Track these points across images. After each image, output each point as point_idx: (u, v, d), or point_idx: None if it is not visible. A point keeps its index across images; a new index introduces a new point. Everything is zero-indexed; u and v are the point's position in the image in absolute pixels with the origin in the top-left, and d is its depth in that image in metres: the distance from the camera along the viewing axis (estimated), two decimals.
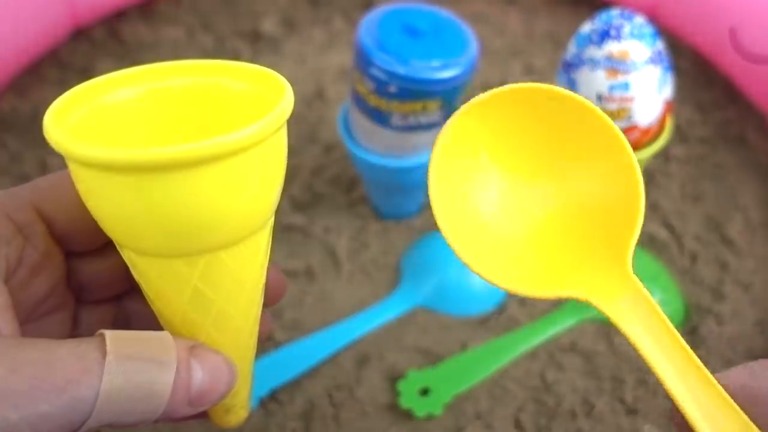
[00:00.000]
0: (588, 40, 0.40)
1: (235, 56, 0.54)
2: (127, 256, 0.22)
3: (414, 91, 0.38)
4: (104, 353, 0.19)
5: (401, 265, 0.44)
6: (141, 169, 0.19)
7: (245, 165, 0.20)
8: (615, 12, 0.39)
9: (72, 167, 0.21)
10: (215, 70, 0.24)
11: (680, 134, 0.51)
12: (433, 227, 0.46)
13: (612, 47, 0.39)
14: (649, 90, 0.39)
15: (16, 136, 0.49)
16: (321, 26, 0.57)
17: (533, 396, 0.39)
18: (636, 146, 0.41)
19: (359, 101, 0.40)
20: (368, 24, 0.39)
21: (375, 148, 0.42)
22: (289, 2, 0.59)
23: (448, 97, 0.39)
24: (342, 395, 0.39)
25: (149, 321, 0.25)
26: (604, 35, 0.39)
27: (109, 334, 0.20)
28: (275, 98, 0.22)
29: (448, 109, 0.40)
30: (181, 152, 0.19)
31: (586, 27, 0.40)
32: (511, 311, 0.43)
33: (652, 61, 0.39)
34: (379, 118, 0.40)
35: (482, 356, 0.40)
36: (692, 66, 0.55)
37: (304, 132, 0.50)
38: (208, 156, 0.19)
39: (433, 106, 0.39)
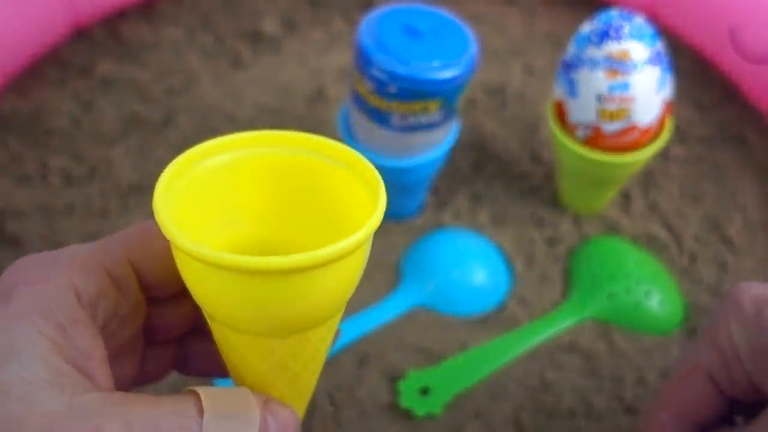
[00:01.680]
0: (587, 41, 0.40)
1: (236, 56, 0.54)
2: (217, 327, 0.23)
3: (414, 91, 0.38)
4: (200, 411, 0.21)
5: (401, 265, 0.44)
6: (248, 272, 0.20)
7: (345, 265, 0.22)
8: (614, 12, 0.40)
9: (177, 255, 0.22)
10: (300, 142, 0.25)
11: (680, 134, 0.51)
12: (433, 227, 0.46)
13: (612, 47, 0.39)
14: (649, 90, 0.39)
15: (16, 136, 0.49)
16: (321, 26, 0.57)
17: (533, 395, 0.39)
18: (636, 146, 0.41)
19: (359, 101, 0.40)
20: (368, 24, 0.39)
21: (375, 148, 0.42)
22: (289, 2, 0.59)
23: (448, 97, 0.39)
24: (342, 395, 0.39)
25: (207, 360, 0.27)
26: (604, 35, 0.39)
27: (202, 392, 0.21)
28: (359, 179, 0.23)
29: (448, 109, 0.40)
30: (287, 263, 0.20)
31: (586, 27, 0.40)
32: (511, 311, 0.43)
33: (652, 61, 0.39)
34: (379, 118, 0.40)
35: (482, 356, 0.40)
36: (692, 66, 0.55)
37: (305, 132, 0.50)
38: (312, 265, 0.20)
39: (433, 106, 0.39)
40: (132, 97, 0.52)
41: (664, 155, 0.50)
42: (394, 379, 0.40)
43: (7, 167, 0.47)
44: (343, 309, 0.24)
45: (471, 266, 0.44)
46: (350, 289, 0.23)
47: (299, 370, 0.24)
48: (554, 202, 0.48)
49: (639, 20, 0.39)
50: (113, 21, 0.56)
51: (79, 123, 0.50)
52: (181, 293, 0.26)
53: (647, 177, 0.49)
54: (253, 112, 0.51)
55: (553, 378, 0.40)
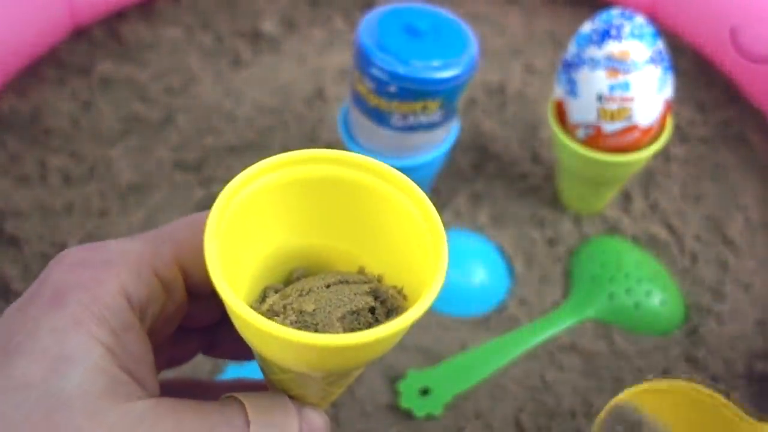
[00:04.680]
0: (588, 40, 0.40)
1: (235, 56, 0.54)
2: (264, 362, 0.23)
3: (414, 91, 0.38)
4: (247, 421, 0.22)
5: None
6: (302, 344, 0.20)
7: (400, 334, 0.22)
8: (615, 12, 0.39)
9: (233, 314, 0.21)
10: (351, 163, 0.23)
11: (680, 134, 0.51)
12: None
13: (612, 47, 0.39)
14: (649, 90, 0.39)
15: (16, 136, 0.49)
16: (321, 26, 0.57)
17: (533, 396, 0.39)
18: (636, 146, 0.41)
19: (359, 101, 0.40)
20: (368, 24, 0.39)
21: (375, 148, 0.42)
22: (289, 2, 0.58)
23: (448, 97, 0.39)
24: (342, 395, 0.39)
25: (233, 346, 0.27)
26: (605, 35, 0.39)
27: (246, 401, 0.22)
28: (412, 203, 0.23)
29: (448, 109, 0.40)
30: (341, 341, 0.20)
31: (587, 27, 0.40)
32: (511, 311, 0.43)
33: (652, 61, 0.39)
34: (379, 118, 0.40)
35: (482, 356, 0.40)
36: (692, 66, 0.55)
37: (304, 132, 0.50)
38: (368, 342, 0.20)
39: (433, 106, 0.39)
40: (131, 97, 0.51)
41: (664, 155, 0.50)
42: (394, 379, 0.40)
43: (7, 167, 0.47)
44: None
45: (471, 266, 0.44)
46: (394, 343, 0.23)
47: (335, 391, 0.25)
48: (554, 202, 0.48)
49: (639, 20, 0.39)
50: (112, 21, 0.56)
51: (78, 123, 0.50)
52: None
53: (648, 177, 0.49)
54: (252, 112, 0.51)
55: (554, 378, 0.40)
